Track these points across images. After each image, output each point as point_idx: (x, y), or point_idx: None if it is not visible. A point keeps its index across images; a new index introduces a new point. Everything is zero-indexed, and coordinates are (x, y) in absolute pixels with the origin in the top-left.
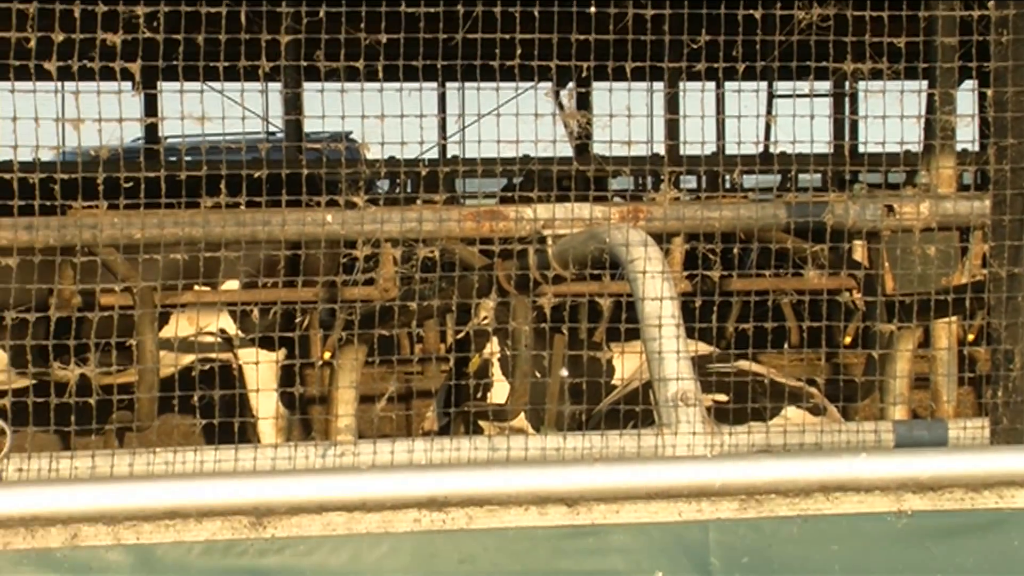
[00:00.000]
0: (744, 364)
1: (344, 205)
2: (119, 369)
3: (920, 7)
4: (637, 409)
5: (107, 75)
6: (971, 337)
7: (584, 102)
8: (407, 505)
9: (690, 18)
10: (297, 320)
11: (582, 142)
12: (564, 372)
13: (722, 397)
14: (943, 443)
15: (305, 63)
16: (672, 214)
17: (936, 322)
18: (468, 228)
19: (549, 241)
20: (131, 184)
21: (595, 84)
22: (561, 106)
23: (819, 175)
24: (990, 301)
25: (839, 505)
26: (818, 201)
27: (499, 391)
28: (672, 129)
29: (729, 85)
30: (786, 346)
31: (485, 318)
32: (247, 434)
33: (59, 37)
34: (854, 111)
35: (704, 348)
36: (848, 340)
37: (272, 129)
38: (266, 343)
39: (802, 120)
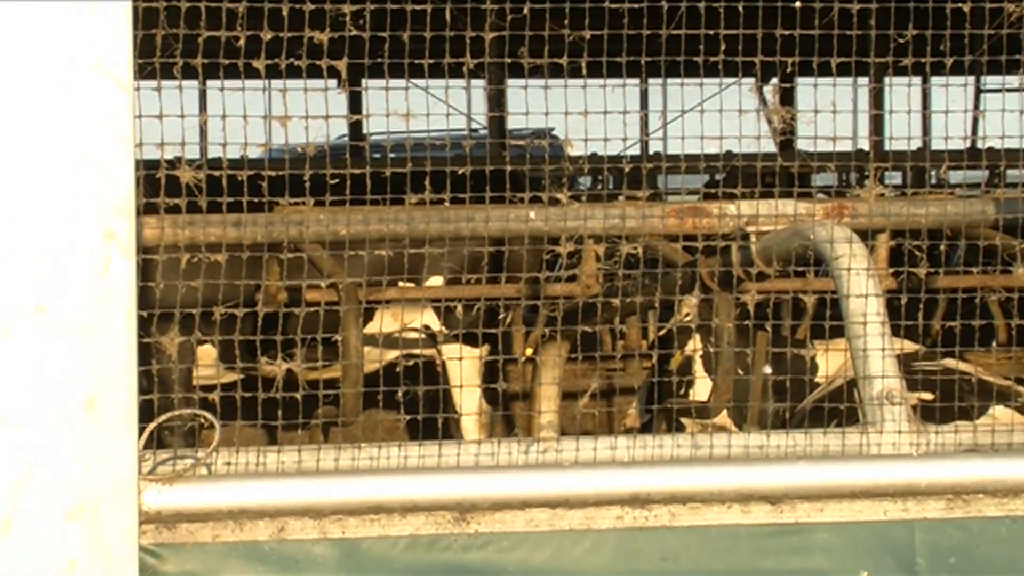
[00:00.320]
0: (951, 362)
1: (547, 202)
2: (324, 365)
3: None
4: (841, 407)
5: (314, 73)
6: None
7: (788, 98)
8: (610, 502)
9: (897, 12)
10: (500, 316)
11: (786, 138)
12: (767, 369)
13: (928, 396)
14: None
15: (509, 60)
16: (877, 210)
17: None
18: (671, 225)
19: (752, 238)
20: (337, 181)
21: (799, 79)
22: (765, 102)
23: None
24: None
25: None
26: None
27: (701, 388)
28: (877, 124)
29: (936, 80)
30: (994, 344)
31: (688, 315)
32: (450, 430)
33: (267, 36)
34: None
35: (910, 346)
36: None
37: (476, 126)
38: (469, 339)
39: (1011, 115)
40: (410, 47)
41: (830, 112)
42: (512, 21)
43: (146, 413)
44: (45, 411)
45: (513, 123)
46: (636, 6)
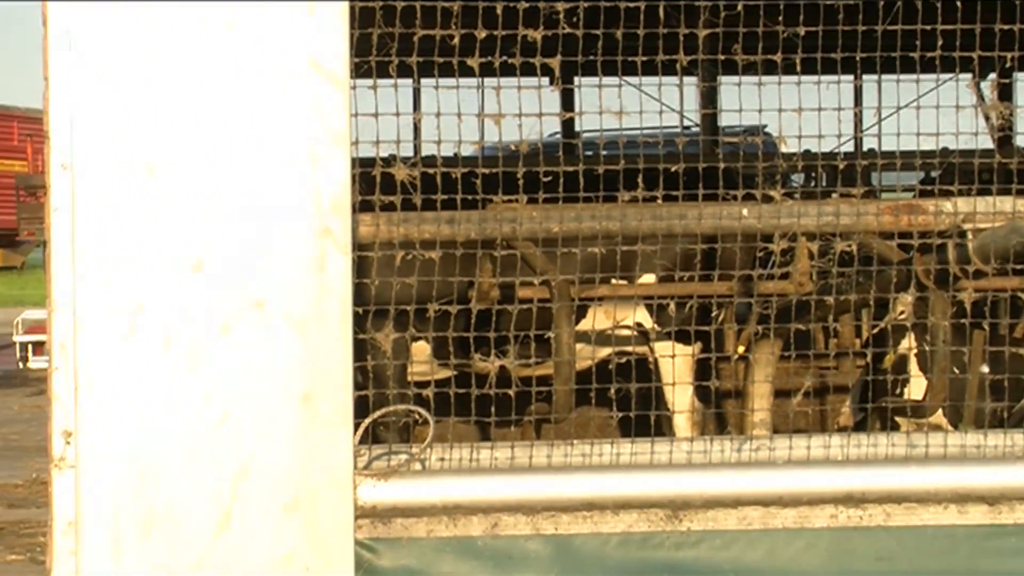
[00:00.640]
0: None
1: (760, 199)
2: (537, 362)
3: None
4: None
5: (527, 70)
6: None
7: (1007, 93)
8: (823, 501)
9: None
10: (713, 314)
11: (1004, 134)
12: (984, 368)
13: None
14: None
15: (723, 56)
16: None
17: None
18: (886, 222)
19: (969, 235)
20: (549, 178)
21: (1018, 75)
22: (983, 98)
23: None
24: None
25: None
26: None
27: (916, 387)
28: None
29: None
30: None
31: (902, 313)
32: (662, 427)
33: (481, 34)
34: None
35: None
36: None
37: (688, 123)
38: (682, 337)
39: None
40: (623, 44)
41: None
42: (725, 18)
43: (361, 409)
44: (263, 405)
45: (726, 120)
46: (851, 2)
